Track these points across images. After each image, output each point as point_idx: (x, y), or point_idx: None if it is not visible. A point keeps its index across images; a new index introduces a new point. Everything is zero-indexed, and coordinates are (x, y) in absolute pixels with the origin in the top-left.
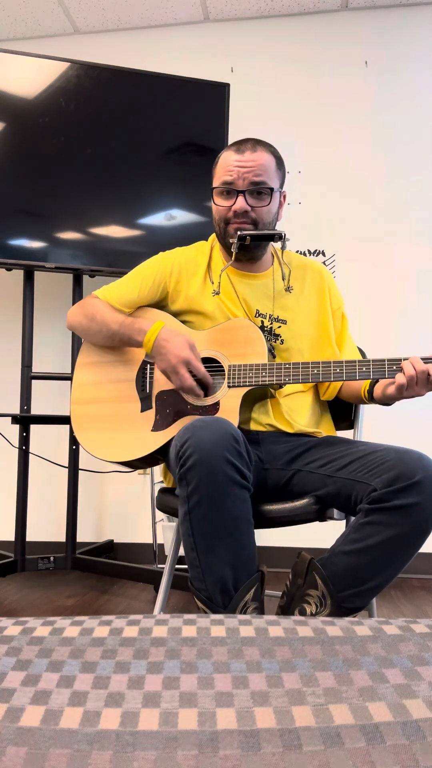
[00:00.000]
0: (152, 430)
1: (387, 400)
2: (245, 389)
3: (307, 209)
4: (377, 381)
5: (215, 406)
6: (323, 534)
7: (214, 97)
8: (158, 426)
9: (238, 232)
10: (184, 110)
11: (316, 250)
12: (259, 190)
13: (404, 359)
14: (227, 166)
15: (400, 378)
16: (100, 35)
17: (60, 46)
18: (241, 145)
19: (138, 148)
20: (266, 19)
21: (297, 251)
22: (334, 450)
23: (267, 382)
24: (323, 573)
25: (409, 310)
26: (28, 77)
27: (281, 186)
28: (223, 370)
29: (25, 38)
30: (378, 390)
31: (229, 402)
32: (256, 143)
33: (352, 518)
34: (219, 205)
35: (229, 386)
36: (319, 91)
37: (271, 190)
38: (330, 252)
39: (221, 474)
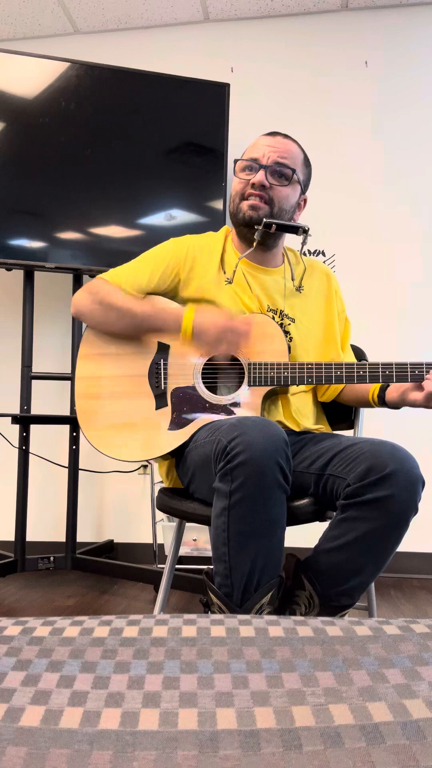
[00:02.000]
0: (168, 429)
1: (407, 406)
2: (266, 388)
3: (307, 209)
4: (388, 385)
5: (235, 405)
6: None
7: (214, 97)
8: (175, 424)
9: (264, 219)
10: (184, 110)
11: (316, 250)
12: (282, 172)
13: (428, 364)
14: (256, 145)
15: (429, 386)
16: (100, 35)
17: (60, 46)
18: (275, 132)
19: (138, 148)
20: (266, 19)
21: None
22: (320, 447)
23: (289, 383)
24: (308, 573)
25: (409, 310)
26: (28, 77)
27: (305, 186)
28: (240, 367)
29: (25, 38)
30: (394, 394)
31: (250, 401)
32: (288, 136)
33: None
34: (239, 178)
35: (249, 384)
36: (319, 91)
37: (293, 171)
38: (330, 252)
39: (270, 476)
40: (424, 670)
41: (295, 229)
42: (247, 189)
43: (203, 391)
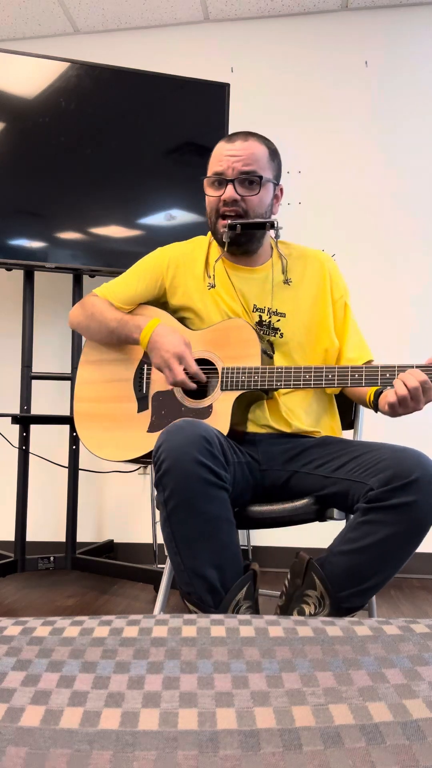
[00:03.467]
0: (148, 431)
1: (389, 416)
2: (238, 392)
3: (307, 209)
4: (381, 392)
5: (209, 409)
6: (323, 534)
7: (214, 97)
8: (153, 427)
9: (228, 222)
10: (184, 110)
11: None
12: (250, 179)
13: (399, 368)
14: (218, 156)
15: (391, 396)
16: (100, 35)
17: (60, 46)
18: (233, 136)
19: (138, 148)
20: (266, 19)
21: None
22: (330, 450)
23: (259, 387)
24: (321, 573)
25: (410, 309)
26: (28, 77)
27: (276, 179)
28: (217, 372)
29: (25, 38)
30: (382, 401)
31: (221, 405)
32: (248, 134)
33: (352, 517)
34: (209, 195)
35: (222, 389)
36: (319, 91)
37: (261, 178)
38: (330, 252)
39: (194, 476)
40: (424, 670)
41: (262, 225)
42: (221, 206)
43: (180, 395)
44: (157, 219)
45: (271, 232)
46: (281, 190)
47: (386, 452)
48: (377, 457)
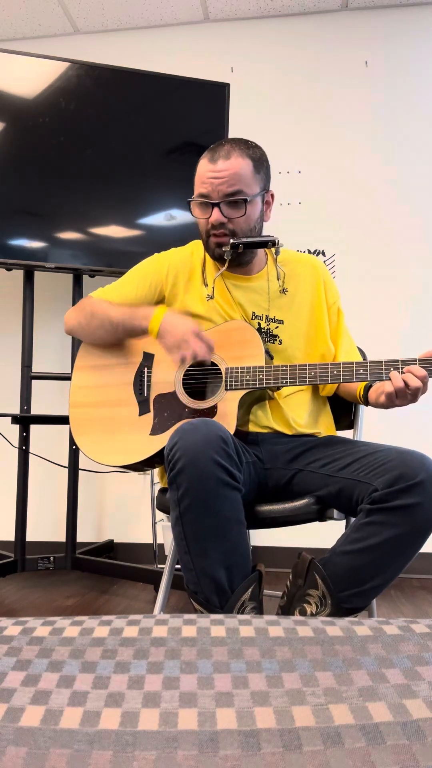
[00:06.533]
0: (150, 434)
1: (382, 408)
2: (243, 392)
3: (307, 209)
4: (371, 385)
5: (213, 409)
6: (323, 534)
7: (214, 97)
8: (156, 429)
9: (231, 240)
10: (184, 110)
11: (316, 250)
12: (235, 202)
13: (402, 361)
14: (202, 177)
15: (388, 387)
16: (100, 35)
17: (60, 46)
18: (215, 152)
19: (138, 148)
20: (266, 19)
21: (297, 251)
22: (335, 450)
23: (264, 385)
24: (323, 573)
25: (410, 310)
26: (28, 77)
27: (265, 187)
28: (221, 373)
29: (25, 38)
30: (373, 395)
31: (226, 405)
32: (231, 149)
33: (353, 519)
34: (198, 217)
35: (226, 389)
36: (319, 91)
37: (245, 200)
38: (330, 252)
39: (211, 476)
40: (424, 670)
41: (263, 244)
42: (209, 227)
43: (183, 396)
44: (157, 219)
45: (272, 249)
46: (272, 195)
47: (392, 454)
48: (383, 458)
